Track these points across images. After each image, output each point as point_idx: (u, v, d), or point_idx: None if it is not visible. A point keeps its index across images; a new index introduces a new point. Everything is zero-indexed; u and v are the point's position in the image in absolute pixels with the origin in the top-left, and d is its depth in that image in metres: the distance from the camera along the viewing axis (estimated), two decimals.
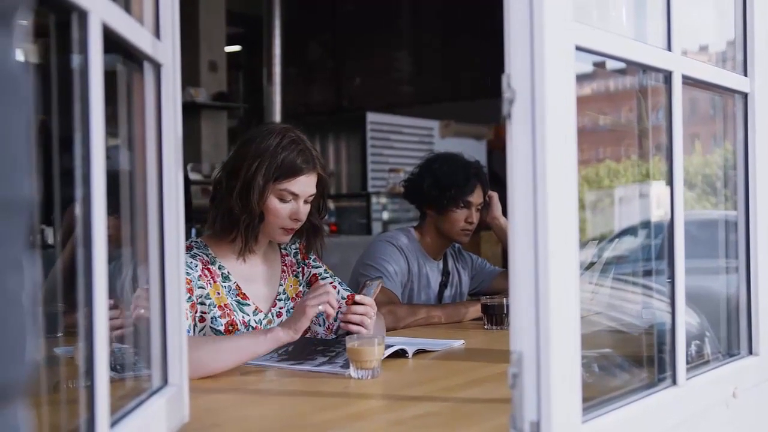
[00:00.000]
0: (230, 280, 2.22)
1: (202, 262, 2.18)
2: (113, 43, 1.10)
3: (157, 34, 1.34)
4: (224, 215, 2.19)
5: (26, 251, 0.52)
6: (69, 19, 0.99)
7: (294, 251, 2.42)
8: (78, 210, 1.00)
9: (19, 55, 0.53)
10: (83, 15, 0.99)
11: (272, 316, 2.28)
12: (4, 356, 0.50)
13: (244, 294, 2.23)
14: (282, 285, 2.34)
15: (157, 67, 1.34)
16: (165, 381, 1.36)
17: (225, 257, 2.24)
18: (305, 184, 2.20)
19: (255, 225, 2.19)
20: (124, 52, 1.24)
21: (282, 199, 2.19)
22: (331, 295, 2.00)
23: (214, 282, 2.18)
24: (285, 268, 2.37)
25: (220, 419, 1.58)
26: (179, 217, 1.38)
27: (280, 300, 2.32)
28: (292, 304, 2.33)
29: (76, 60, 1.00)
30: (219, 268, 2.21)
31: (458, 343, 2.35)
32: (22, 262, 0.51)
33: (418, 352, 2.17)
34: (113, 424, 1.08)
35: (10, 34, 0.50)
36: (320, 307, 1.98)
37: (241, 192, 2.16)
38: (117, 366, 1.34)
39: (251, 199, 2.15)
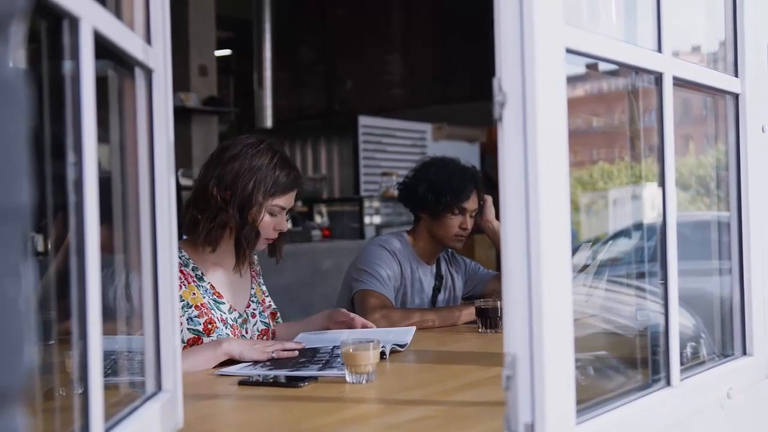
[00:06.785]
0: (205, 281, 2.30)
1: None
2: (104, 48, 1.10)
3: (148, 39, 1.34)
4: (218, 228, 2.27)
5: (24, 257, 0.52)
6: (60, 24, 0.99)
7: (256, 261, 2.55)
8: (71, 217, 1.00)
9: (16, 62, 0.53)
10: (74, 21, 0.98)
11: (247, 316, 2.40)
12: (4, 362, 0.50)
13: (219, 293, 2.32)
14: (253, 288, 2.46)
15: (148, 72, 1.33)
16: (159, 387, 1.36)
17: (200, 261, 2.32)
18: (293, 198, 2.36)
19: (253, 239, 2.30)
20: (114, 58, 1.23)
21: (271, 214, 2.31)
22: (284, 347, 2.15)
23: (189, 283, 2.26)
24: (254, 274, 2.50)
25: (213, 425, 1.58)
26: (172, 223, 1.38)
27: (253, 302, 2.44)
28: (261, 308, 2.46)
29: (67, 66, 1.00)
30: (193, 270, 2.30)
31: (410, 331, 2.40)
32: (20, 269, 0.51)
33: (393, 352, 2.20)
34: (107, 430, 1.08)
35: (6, 41, 0.50)
36: (274, 354, 2.12)
37: (239, 208, 2.25)
38: (108, 371, 1.34)
39: (250, 215, 2.26)
